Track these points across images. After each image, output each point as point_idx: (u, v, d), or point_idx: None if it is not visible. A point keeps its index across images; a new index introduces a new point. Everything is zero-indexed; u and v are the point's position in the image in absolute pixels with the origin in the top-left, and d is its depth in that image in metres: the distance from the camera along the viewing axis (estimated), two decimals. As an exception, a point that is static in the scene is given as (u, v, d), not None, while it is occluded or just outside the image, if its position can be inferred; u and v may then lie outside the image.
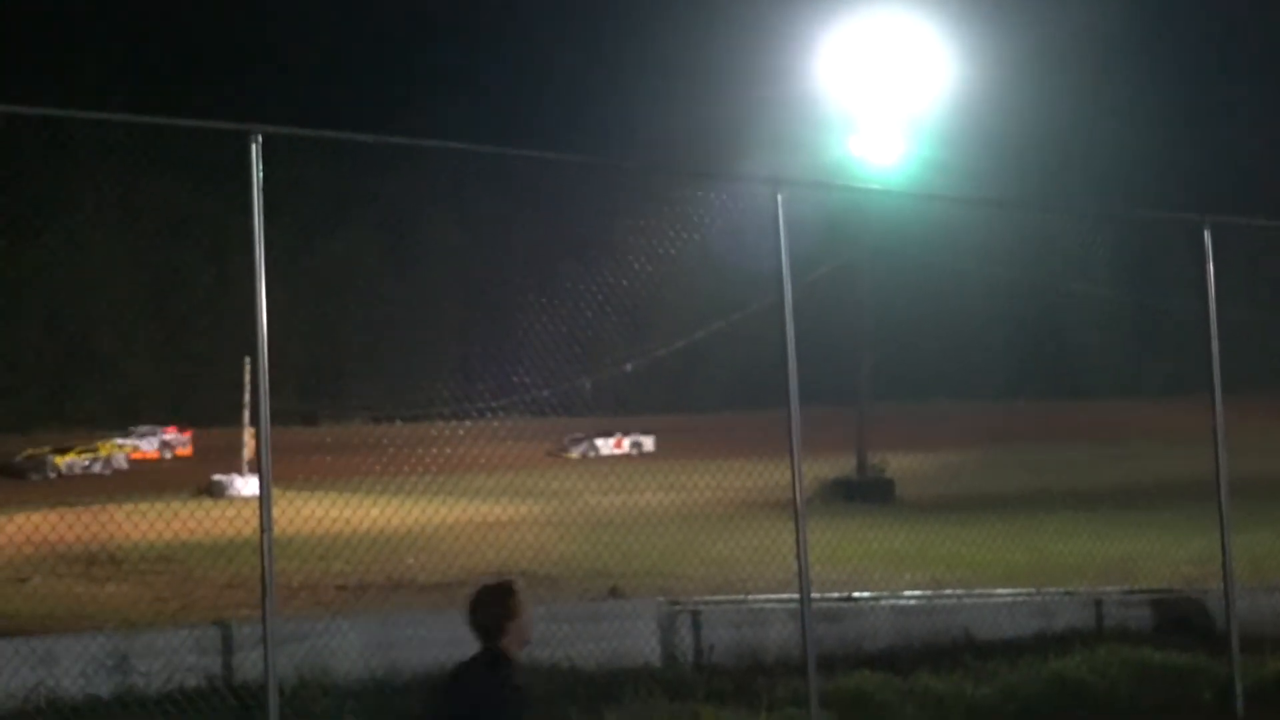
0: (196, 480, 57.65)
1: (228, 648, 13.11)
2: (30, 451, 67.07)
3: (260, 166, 9.98)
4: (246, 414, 58.13)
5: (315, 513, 34.72)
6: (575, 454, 73.52)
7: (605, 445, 75.51)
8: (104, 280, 77.00)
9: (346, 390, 78.32)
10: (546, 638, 14.57)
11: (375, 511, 37.71)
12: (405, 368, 78.44)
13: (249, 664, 12.57)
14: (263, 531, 10.24)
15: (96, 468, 67.70)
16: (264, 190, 10.06)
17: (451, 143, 12.36)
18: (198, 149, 11.52)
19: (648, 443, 77.77)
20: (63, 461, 66.80)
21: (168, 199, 72.61)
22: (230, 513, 36.75)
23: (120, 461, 69.64)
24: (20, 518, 43.22)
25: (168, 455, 72.94)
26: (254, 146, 9.99)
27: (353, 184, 58.84)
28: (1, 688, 12.23)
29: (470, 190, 62.29)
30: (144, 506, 40.73)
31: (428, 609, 18.88)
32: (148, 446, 72.51)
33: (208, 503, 50.81)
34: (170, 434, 75.06)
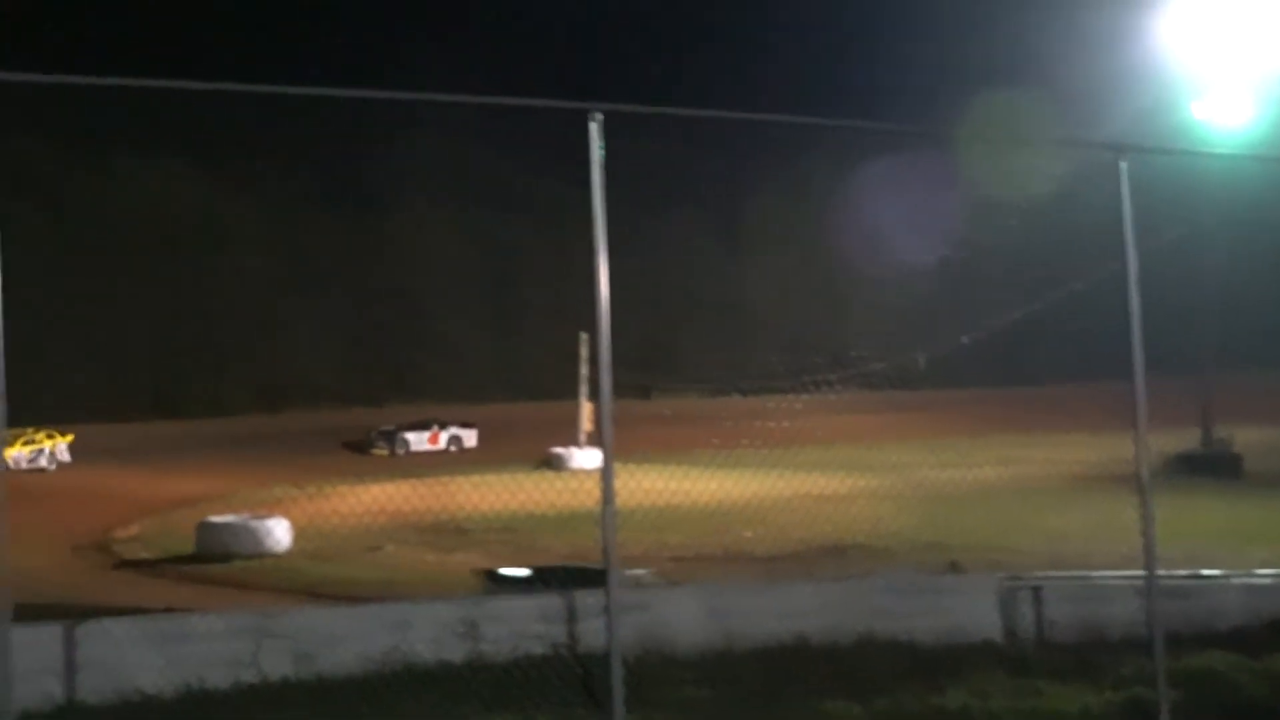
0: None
1: (571, 616, 13.38)
2: None
3: (601, 144, 10.13)
4: (583, 388, 59.27)
5: (654, 485, 35.23)
6: (382, 449, 67.53)
7: (417, 440, 68.74)
8: (445, 257, 79.20)
9: (681, 364, 78.98)
10: (886, 611, 14.52)
11: (712, 484, 38.06)
12: (740, 341, 78.75)
13: (591, 632, 12.77)
14: (605, 503, 10.41)
15: (42, 461, 59.06)
16: (599, 166, 10.21)
17: (786, 116, 12.34)
18: (536, 127, 11.73)
19: (469, 437, 70.37)
20: (10, 454, 59.25)
21: (506, 176, 74.46)
22: (572, 485, 37.58)
23: (63, 453, 61.23)
24: (375, 488, 44.93)
25: None
26: (593, 125, 10.14)
27: (690, 158, 59.32)
28: (360, 651, 12.73)
29: (803, 161, 62.10)
30: (489, 478, 42.00)
31: (764, 580, 18.97)
32: None
33: (549, 475, 52.06)
34: None
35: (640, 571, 22.22)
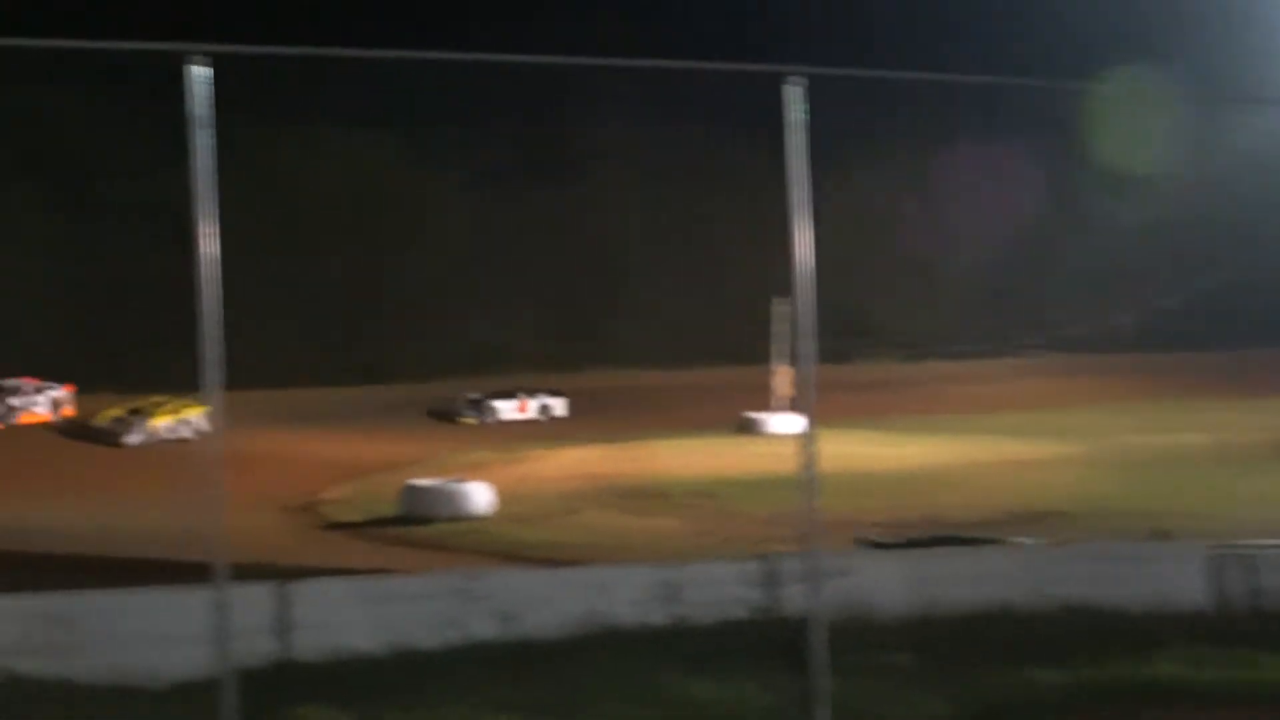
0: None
1: (772, 581, 13.39)
2: (115, 412, 57.03)
3: (800, 108, 10.10)
4: (774, 351, 59.13)
5: (848, 450, 35.11)
6: (471, 418, 65.50)
7: (506, 408, 66.22)
8: (639, 222, 79.40)
9: (879, 328, 78.36)
10: (1089, 578, 14.30)
11: (908, 449, 37.87)
12: (939, 304, 77.96)
13: (792, 597, 12.81)
14: (806, 467, 10.42)
15: (185, 431, 55.51)
16: (797, 129, 10.18)
17: (978, 77, 12.22)
18: (734, 91, 11.73)
19: (558, 405, 67.97)
20: (157, 424, 56.14)
21: (699, 142, 74.37)
22: (764, 449, 37.59)
23: (202, 423, 58.75)
24: (573, 452, 45.38)
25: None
26: (791, 89, 10.11)
27: (883, 119, 58.75)
28: (563, 613, 12.91)
29: (999, 121, 61.18)
30: (687, 442, 42.16)
31: (963, 547, 18.78)
32: (41, 409, 57.99)
33: (743, 439, 52.08)
34: (62, 391, 59.44)
35: (1028, 541, 22.20)
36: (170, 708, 11.29)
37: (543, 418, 66.25)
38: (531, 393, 67.61)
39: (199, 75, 9.03)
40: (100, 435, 55.52)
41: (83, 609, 12.30)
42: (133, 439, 54.67)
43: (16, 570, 22.84)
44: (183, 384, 56.80)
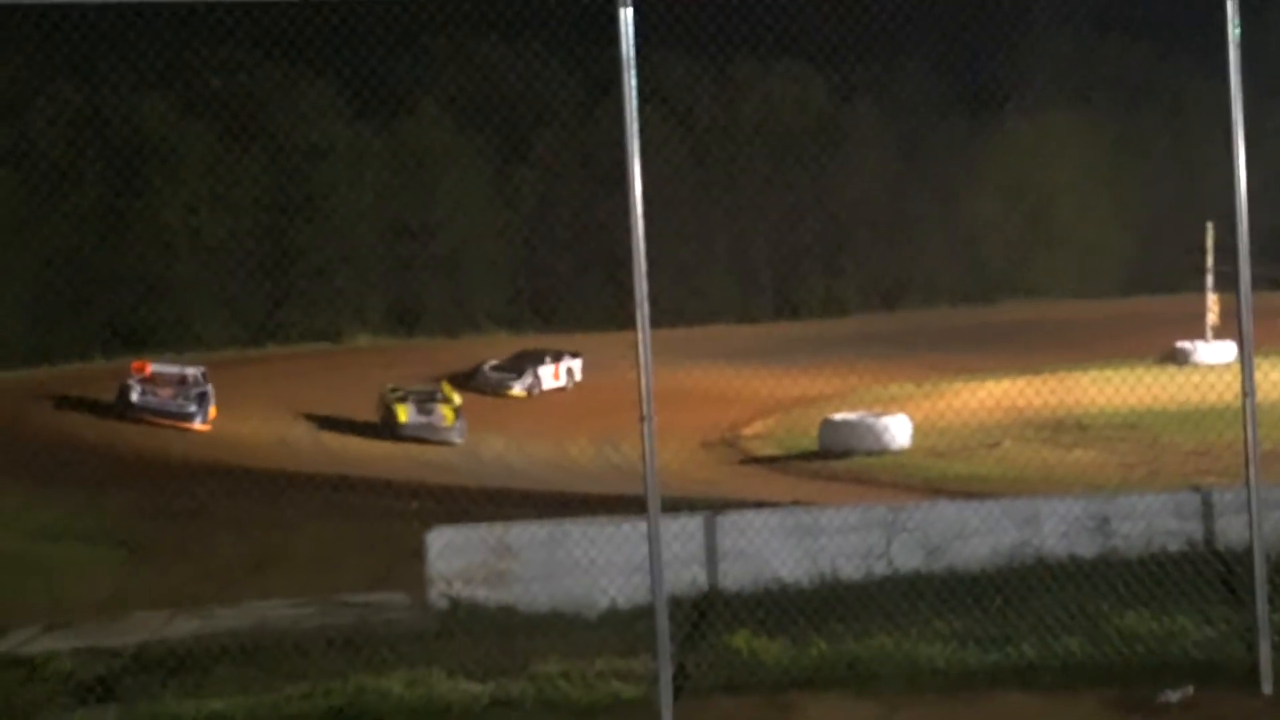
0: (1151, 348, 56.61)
1: (1207, 513, 13.02)
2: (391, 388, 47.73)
3: (1236, 25, 9.80)
4: (1209, 279, 57.10)
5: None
6: (518, 389, 54.49)
7: (546, 375, 55.56)
8: (1064, 149, 77.59)
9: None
10: None
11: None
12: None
13: (1230, 530, 12.43)
14: (1245, 396, 10.11)
15: (457, 434, 46.98)
16: (1235, 47, 9.90)
17: None
18: (1160, 12, 11.43)
19: (577, 369, 56.78)
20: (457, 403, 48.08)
21: (1129, 64, 72.21)
22: (1195, 379, 36.34)
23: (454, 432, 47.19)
24: (990, 384, 44.85)
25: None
26: (1230, 5, 9.85)
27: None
28: (990, 544, 12.84)
29: None
30: (1108, 373, 41.19)
31: None
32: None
33: (1171, 369, 50.48)
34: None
35: None
36: (605, 634, 11.71)
37: (568, 383, 56.73)
38: (557, 356, 57.14)
39: (628, 18, 9.29)
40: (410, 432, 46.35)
41: (524, 539, 12.82)
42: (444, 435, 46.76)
43: (463, 502, 23.96)
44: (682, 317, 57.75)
